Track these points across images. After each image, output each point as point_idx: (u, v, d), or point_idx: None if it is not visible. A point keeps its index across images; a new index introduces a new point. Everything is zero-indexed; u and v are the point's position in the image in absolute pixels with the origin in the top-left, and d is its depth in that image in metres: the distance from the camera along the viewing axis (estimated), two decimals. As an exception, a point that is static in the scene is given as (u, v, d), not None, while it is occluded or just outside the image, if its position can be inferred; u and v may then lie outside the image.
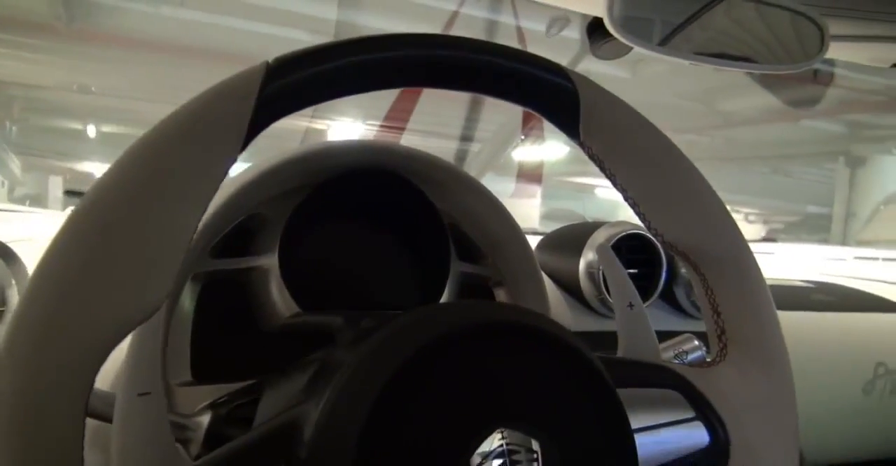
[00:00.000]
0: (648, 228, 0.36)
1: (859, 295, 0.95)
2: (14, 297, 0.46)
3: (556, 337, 0.30)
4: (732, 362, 0.37)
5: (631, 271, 0.65)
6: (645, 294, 0.67)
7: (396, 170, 0.49)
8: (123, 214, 0.25)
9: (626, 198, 0.36)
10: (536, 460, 0.28)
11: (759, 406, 0.36)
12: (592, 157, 0.35)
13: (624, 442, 0.30)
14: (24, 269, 0.50)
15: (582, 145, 0.35)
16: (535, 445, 0.28)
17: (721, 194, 0.38)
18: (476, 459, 0.27)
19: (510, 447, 0.28)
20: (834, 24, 0.66)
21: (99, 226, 0.25)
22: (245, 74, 0.28)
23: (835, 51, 0.73)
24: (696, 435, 0.35)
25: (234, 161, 0.28)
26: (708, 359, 0.38)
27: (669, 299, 0.71)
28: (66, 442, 0.24)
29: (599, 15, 0.69)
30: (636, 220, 0.39)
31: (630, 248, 0.66)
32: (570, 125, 0.34)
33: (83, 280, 0.24)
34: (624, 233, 0.65)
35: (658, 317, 0.75)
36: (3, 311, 0.45)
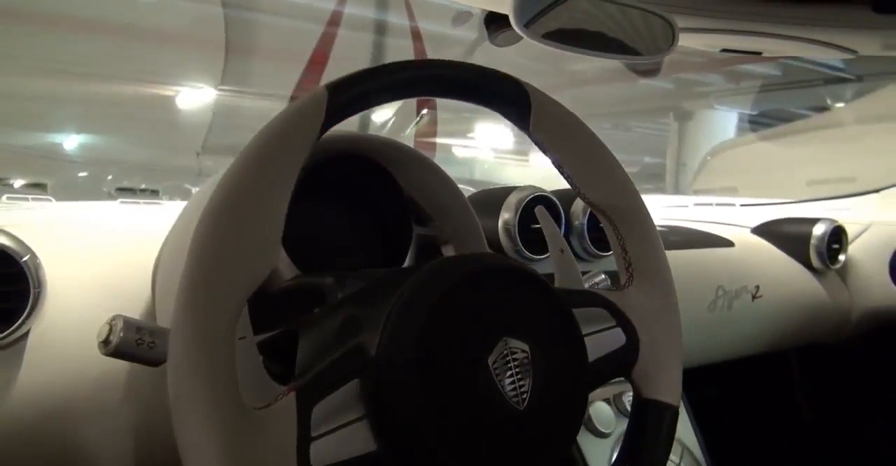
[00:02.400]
0: (578, 193, 0.50)
1: (700, 234, 1.17)
2: (45, 277, 0.52)
3: (533, 276, 0.43)
4: (638, 284, 0.52)
5: (536, 226, 0.80)
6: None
7: (367, 154, 0.59)
8: (250, 206, 0.35)
9: (562, 173, 0.50)
10: (528, 357, 0.41)
11: (657, 313, 0.52)
12: (538, 144, 0.48)
13: (578, 342, 0.45)
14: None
15: (531, 135, 0.48)
16: (526, 347, 0.41)
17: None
18: (491, 359, 0.40)
19: (511, 348, 0.41)
20: (677, 19, 0.83)
21: (235, 214, 0.34)
22: (312, 97, 0.38)
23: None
24: (616, 337, 0.50)
25: (305, 160, 0.38)
26: (620, 284, 0.53)
27: (565, 247, 0.87)
28: (225, 366, 0.34)
29: (496, 10, 0.82)
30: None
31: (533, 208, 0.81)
32: (523, 122, 0.47)
33: (231, 252, 0.34)
34: (533, 195, 0.79)
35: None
36: (39, 292, 0.51)
